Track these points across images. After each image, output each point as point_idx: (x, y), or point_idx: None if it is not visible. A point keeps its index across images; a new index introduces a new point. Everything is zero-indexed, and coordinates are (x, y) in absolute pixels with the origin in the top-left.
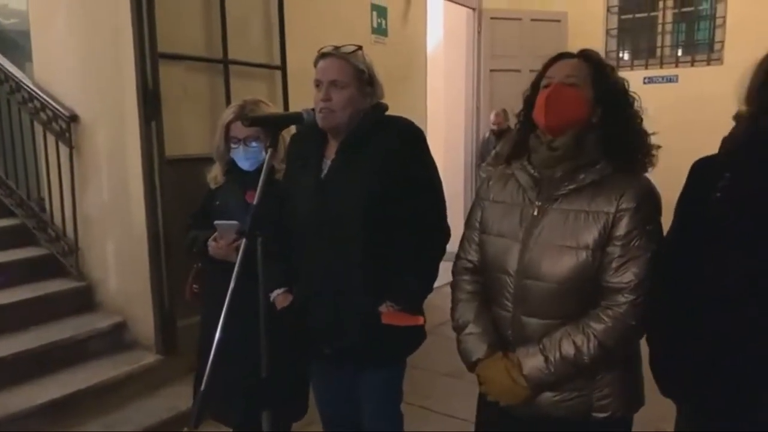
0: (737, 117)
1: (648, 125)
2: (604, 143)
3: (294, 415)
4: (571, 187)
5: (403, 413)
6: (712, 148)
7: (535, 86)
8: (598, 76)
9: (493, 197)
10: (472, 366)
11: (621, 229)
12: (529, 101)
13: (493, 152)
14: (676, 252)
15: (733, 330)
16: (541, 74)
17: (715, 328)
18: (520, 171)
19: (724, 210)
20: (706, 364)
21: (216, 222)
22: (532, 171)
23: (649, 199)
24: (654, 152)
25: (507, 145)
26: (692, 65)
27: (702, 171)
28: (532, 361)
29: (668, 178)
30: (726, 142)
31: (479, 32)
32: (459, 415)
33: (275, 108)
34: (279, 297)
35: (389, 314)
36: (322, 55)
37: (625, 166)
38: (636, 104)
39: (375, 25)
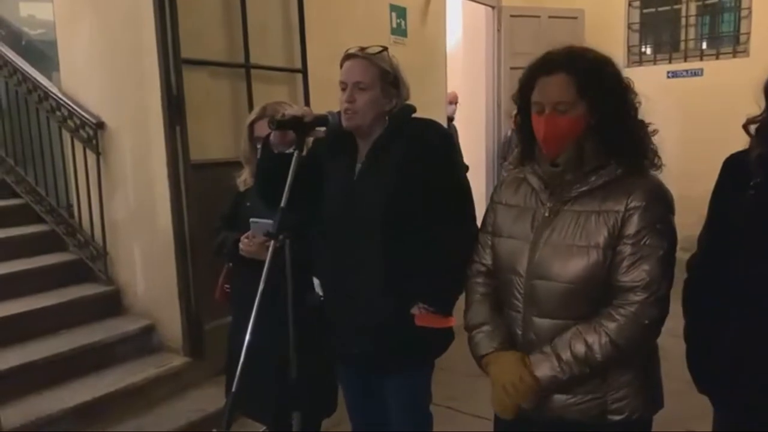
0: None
1: (646, 113)
2: (604, 145)
3: (324, 412)
4: (583, 189)
5: (432, 414)
6: (740, 140)
7: (524, 96)
8: (587, 88)
9: (505, 201)
10: (480, 360)
11: (631, 228)
12: (522, 107)
13: (516, 151)
14: (711, 248)
15: None
16: (527, 86)
17: (751, 325)
18: (531, 175)
19: (758, 204)
20: (743, 362)
21: (252, 219)
22: (543, 175)
23: (659, 197)
24: (653, 145)
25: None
26: (717, 58)
27: (734, 167)
28: (545, 362)
29: (696, 170)
30: (755, 142)
31: (499, 30)
32: (485, 415)
33: (297, 108)
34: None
35: (423, 316)
36: (348, 56)
37: (632, 163)
38: (632, 86)
39: (394, 25)
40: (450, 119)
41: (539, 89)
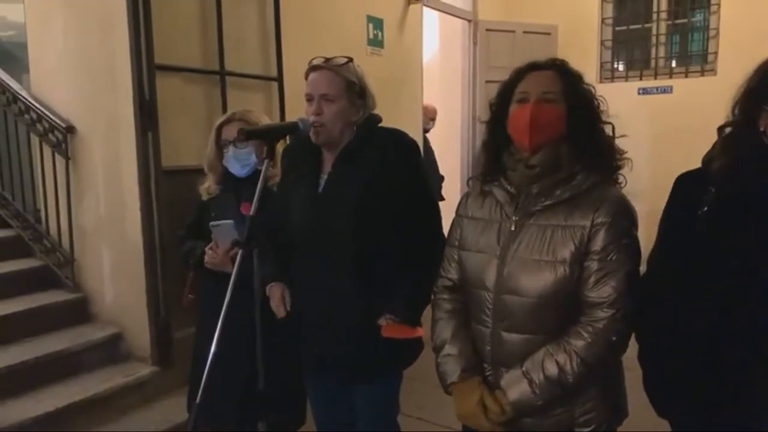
0: (721, 129)
1: (617, 128)
2: (576, 152)
3: (292, 424)
4: (548, 202)
5: (399, 424)
6: None
7: (505, 97)
8: (571, 88)
9: (471, 214)
10: (447, 389)
11: (597, 244)
12: (500, 113)
13: (481, 164)
14: (662, 269)
15: (726, 348)
16: (512, 85)
17: (707, 346)
18: (497, 188)
19: (711, 223)
20: (700, 384)
21: (212, 224)
22: (509, 187)
23: (624, 213)
24: (621, 156)
25: (480, 161)
26: (686, 76)
27: (686, 185)
28: (517, 387)
29: (665, 185)
30: (709, 155)
31: (475, 44)
32: (454, 427)
33: (266, 117)
34: (274, 287)
35: (389, 327)
36: (313, 68)
37: (599, 174)
38: (602, 106)
39: (371, 36)
40: (425, 130)
41: (527, 81)
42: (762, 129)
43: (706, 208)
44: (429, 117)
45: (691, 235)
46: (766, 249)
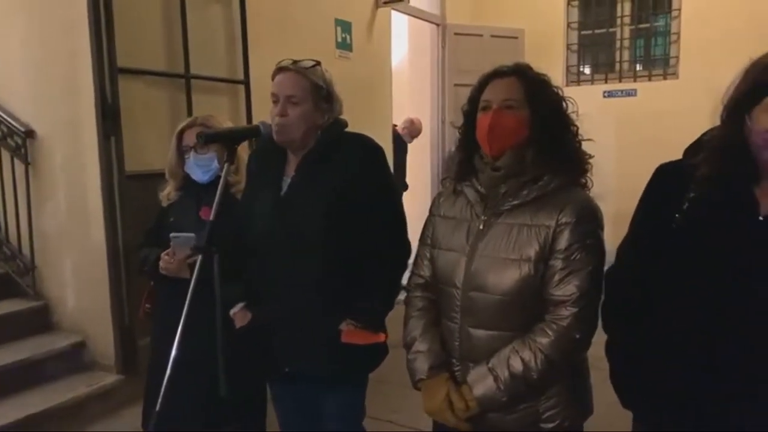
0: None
1: (583, 130)
2: (541, 155)
3: (257, 425)
4: (515, 202)
5: (365, 428)
6: (669, 158)
7: (473, 102)
8: (533, 93)
9: (443, 213)
10: (416, 385)
11: (562, 243)
12: (469, 118)
13: (455, 165)
14: (637, 265)
15: (692, 342)
16: (478, 91)
17: (674, 340)
18: (468, 188)
19: (695, 222)
20: (665, 377)
21: (172, 235)
22: (479, 188)
23: (589, 213)
24: (587, 159)
25: (453, 163)
26: (650, 79)
27: (667, 177)
28: (483, 383)
29: (629, 186)
30: (693, 150)
31: (443, 47)
32: (422, 427)
33: (228, 122)
34: (238, 314)
35: (350, 333)
36: (280, 69)
37: (566, 178)
38: (571, 107)
39: (339, 39)
40: (401, 137)
41: (489, 89)
42: (747, 134)
43: (687, 205)
44: (413, 135)
45: (673, 233)
46: (750, 248)
